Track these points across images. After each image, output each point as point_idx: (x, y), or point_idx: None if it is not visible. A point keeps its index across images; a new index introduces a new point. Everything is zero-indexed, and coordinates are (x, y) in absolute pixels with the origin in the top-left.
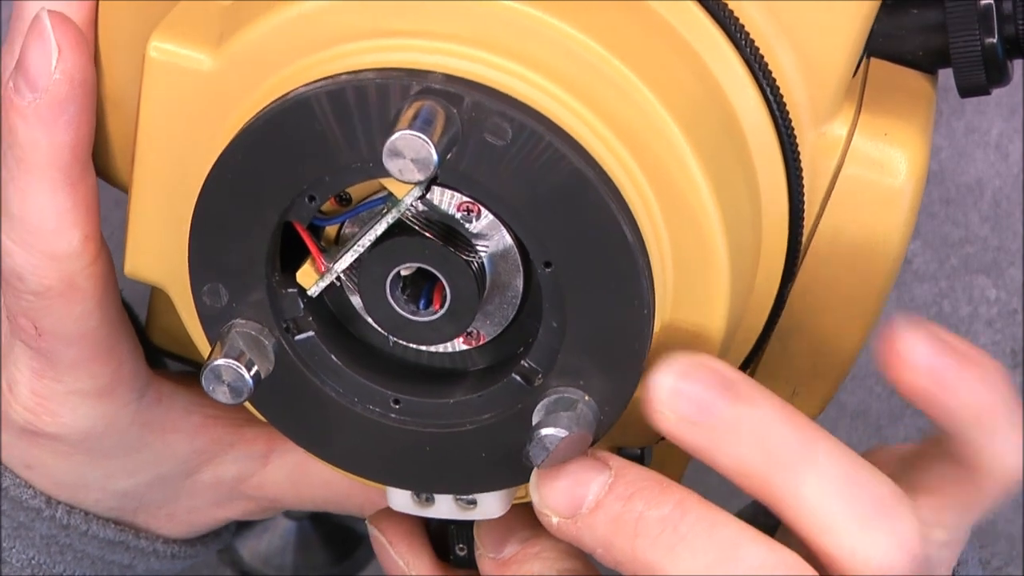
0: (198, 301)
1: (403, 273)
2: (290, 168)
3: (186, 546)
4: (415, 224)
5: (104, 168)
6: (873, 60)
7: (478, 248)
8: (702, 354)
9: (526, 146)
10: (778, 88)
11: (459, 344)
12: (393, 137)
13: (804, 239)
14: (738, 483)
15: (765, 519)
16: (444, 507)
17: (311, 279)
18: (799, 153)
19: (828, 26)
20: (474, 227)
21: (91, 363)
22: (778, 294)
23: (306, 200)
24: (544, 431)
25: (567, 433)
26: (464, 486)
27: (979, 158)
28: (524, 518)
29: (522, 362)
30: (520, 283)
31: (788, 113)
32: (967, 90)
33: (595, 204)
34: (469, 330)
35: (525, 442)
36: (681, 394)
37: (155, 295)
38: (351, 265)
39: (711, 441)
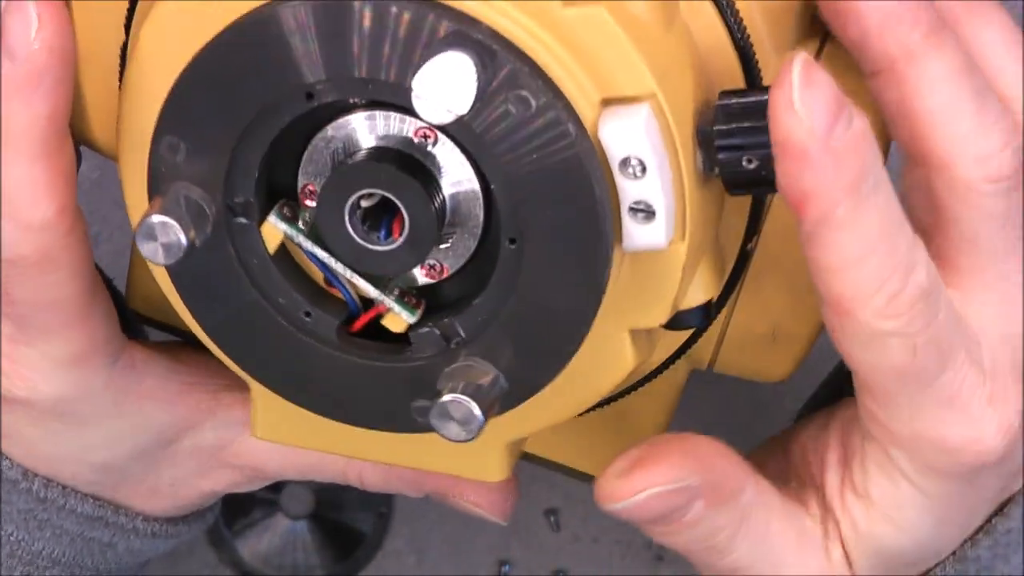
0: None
1: (363, 204)
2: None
3: (167, 524)
4: (372, 155)
5: (80, 130)
6: None
7: (439, 180)
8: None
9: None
10: (744, 25)
11: (422, 277)
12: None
13: None
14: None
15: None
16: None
17: (399, 322)
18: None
19: None
20: (434, 152)
21: (65, 329)
22: (747, 230)
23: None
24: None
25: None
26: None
27: None
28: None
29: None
30: (481, 214)
31: (753, 50)
32: None
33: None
34: (431, 262)
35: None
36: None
37: (135, 261)
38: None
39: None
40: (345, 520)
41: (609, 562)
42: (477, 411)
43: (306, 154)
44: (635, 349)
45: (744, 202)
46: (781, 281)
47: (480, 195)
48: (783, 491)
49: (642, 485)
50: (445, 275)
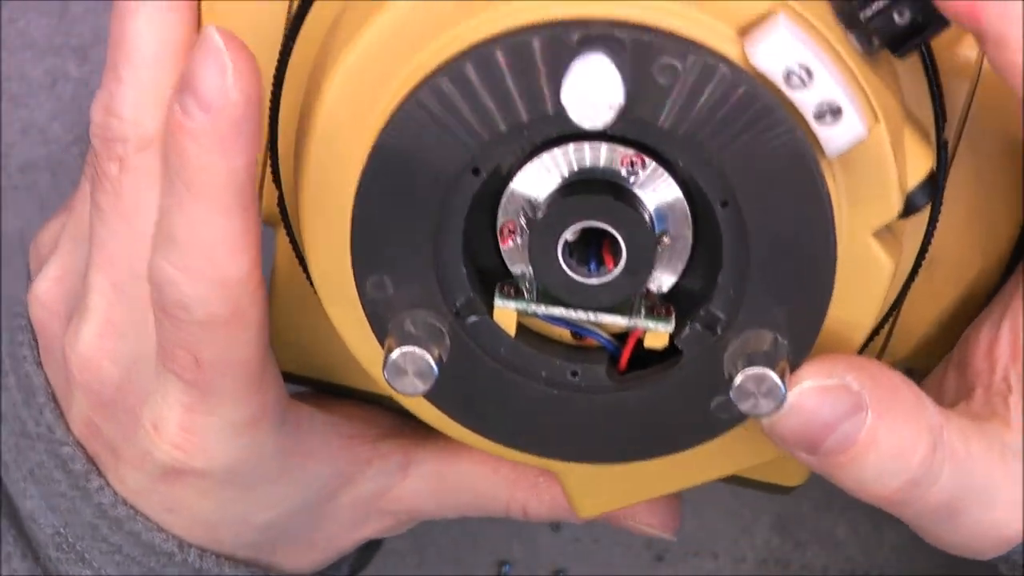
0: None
1: (568, 239)
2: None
3: None
4: (580, 187)
5: None
6: None
7: (645, 201)
8: None
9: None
10: None
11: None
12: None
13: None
14: None
15: None
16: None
17: (660, 337)
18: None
19: None
20: (639, 180)
21: (244, 393)
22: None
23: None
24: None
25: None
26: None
27: None
28: None
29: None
30: (690, 233)
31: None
32: None
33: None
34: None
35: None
36: None
37: (275, 313)
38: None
39: None
40: None
41: (609, 562)
42: (774, 376)
43: (504, 196)
44: (886, 252)
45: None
46: (950, 272)
47: (689, 215)
48: (969, 411)
49: (795, 381)
50: (652, 299)
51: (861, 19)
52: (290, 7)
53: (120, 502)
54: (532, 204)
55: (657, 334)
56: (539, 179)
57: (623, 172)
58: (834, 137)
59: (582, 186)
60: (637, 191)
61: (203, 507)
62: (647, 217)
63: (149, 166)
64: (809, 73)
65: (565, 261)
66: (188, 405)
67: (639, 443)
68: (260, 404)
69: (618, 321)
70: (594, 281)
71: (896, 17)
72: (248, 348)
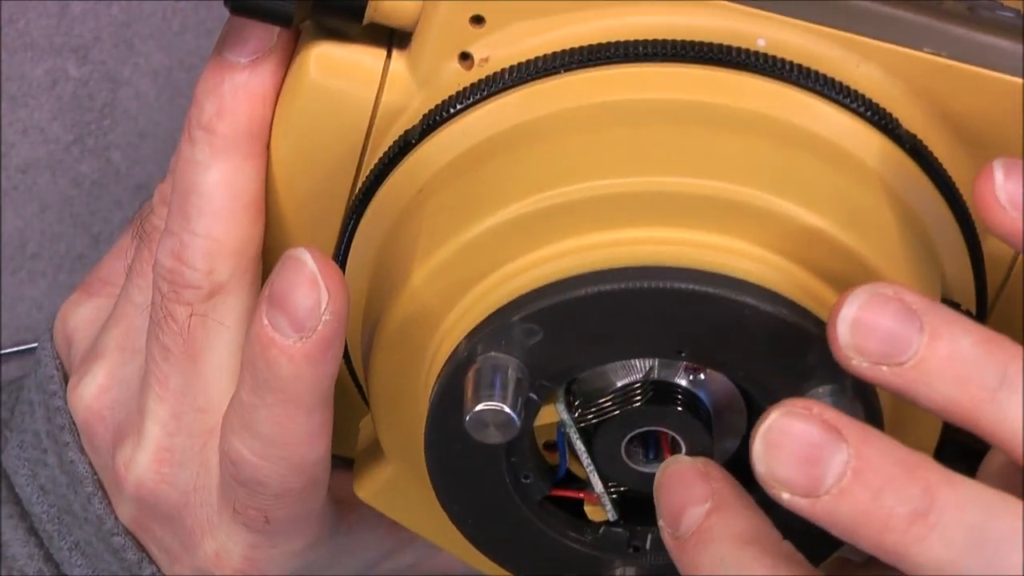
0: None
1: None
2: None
3: None
4: (654, 396)
5: None
6: None
7: (704, 400)
8: (882, 282)
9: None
10: (960, 195)
11: None
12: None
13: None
14: (941, 416)
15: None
16: None
17: (599, 513)
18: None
19: (1004, 131)
20: (698, 382)
21: (306, 530)
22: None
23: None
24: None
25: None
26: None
27: None
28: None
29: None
30: (744, 421)
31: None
32: None
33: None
34: None
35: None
36: (867, 329)
37: None
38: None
39: (907, 381)
40: None
41: None
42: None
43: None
44: None
45: None
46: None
47: (744, 407)
48: None
49: None
50: None
51: None
52: (361, 160)
53: None
54: (596, 394)
55: (599, 510)
56: (604, 377)
57: (688, 377)
58: None
59: (649, 390)
60: (699, 393)
61: None
62: (707, 420)
63: (219, 312)
64: None
65: (625, 450)
66: (253, 543)
67: (497, 542)
68: (318, 531)
69: (596, 484)
70: (650, 470)
71: None
72: (316, 503)
